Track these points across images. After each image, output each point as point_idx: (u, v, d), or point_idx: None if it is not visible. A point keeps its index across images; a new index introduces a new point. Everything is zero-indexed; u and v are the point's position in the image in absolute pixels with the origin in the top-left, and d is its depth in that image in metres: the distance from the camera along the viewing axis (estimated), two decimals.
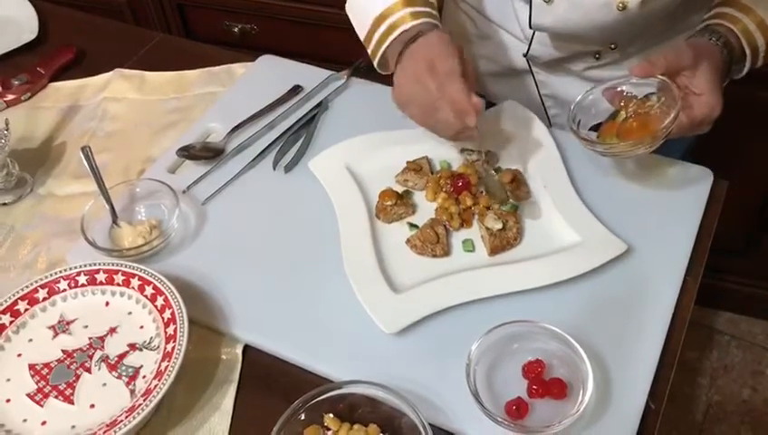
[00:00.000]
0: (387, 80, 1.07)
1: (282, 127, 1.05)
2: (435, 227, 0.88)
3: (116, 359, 0.78)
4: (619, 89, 0.89)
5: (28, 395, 0.76)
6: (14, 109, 1.16)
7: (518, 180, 0.92)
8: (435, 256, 0.87)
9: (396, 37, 0.90)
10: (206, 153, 1.02)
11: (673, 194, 0.93)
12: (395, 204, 0.91)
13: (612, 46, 1.00)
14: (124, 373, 0.77)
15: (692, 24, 0.96)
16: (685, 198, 0.92)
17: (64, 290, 0.83)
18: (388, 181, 0.95)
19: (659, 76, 0.84)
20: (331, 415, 0.71)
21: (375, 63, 0.96)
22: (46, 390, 0.76)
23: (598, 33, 0.95)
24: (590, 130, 0.91)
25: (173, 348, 0.75)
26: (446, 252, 0.87)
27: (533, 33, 1.01)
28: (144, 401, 0.71)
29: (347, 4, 0.99)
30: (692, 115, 0.84)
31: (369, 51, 0.95)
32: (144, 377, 0.77)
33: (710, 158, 0.99)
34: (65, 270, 0.83)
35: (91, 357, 0.79)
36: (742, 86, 0.95)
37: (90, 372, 0.78)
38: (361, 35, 0.96)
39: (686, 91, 0.85)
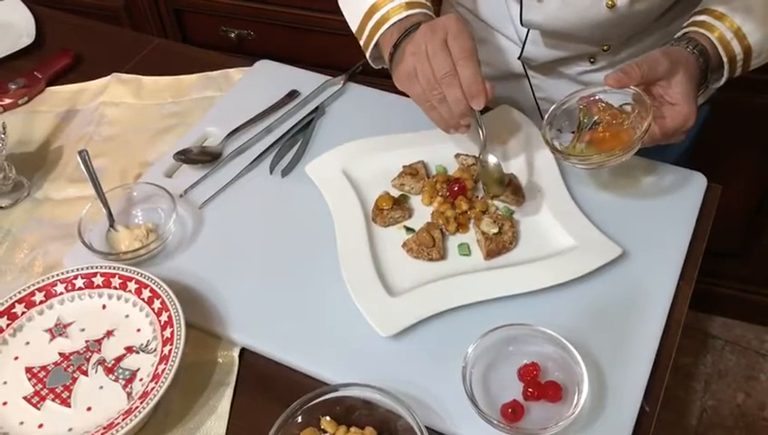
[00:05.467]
0: (383, 85, 1.07)
1: (279, 131, 1.06)
2: (431, 230, 0.88)
3: (113, 362, 0.78)
4: (594, 98, 0.88)
5: (25, 398, 0.76)
6: (11, 113, 1.16)
7: (513, 185, 0.93)
8: (431, 259, 0.87)
9: (390, 26, 0.89)
10: (203, 157, 1.02)
11: (667, 199, 0.93)
12: (391, 208, 0.91)
13: (605, 48, 1.01)
14: (121, 376, 0.77)
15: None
16: (679, 202, 0.92)
17: (61, 293, 0.83)
18: (385, 185, 0.95)
19: (633, 87, 0.84)
20: (328, 418, 0.72)
21: (367, 55, 0.95)
22: (43, 393, 0.76)
23: (589, 31, 0.95)
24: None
25: (170, 351, 0.75)
26: (442, 256, 0.88)
27: (527, 34, 1.02)
28: (141, 403, 0.72)
29: None
30: (664, 126, 0.85)
31: (362, 42, 0.94)
32: (141, 380, 0.77)
33: (705, 163, 0.99)
34: (62, 273, 0.83)
35: (87, 360, 0.79)
36: (736, 91, 0.96)
37: (86, 375, 0.78)
38: (353, 26, 0.95)
39: (660, 101, 0.86)
